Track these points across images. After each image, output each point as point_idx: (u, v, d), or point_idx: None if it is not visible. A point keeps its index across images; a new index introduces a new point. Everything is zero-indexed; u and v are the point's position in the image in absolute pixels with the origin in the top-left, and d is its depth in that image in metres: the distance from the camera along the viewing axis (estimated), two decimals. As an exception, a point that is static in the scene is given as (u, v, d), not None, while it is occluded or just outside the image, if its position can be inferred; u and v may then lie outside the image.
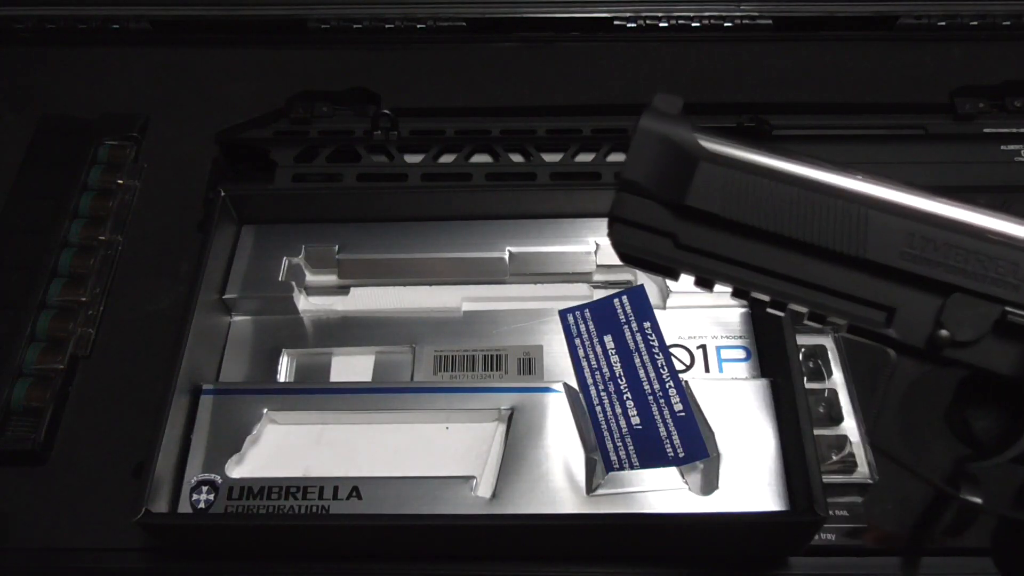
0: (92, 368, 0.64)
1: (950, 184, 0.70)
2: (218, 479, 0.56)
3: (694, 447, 0.57)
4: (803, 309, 0.35)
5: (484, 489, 0.56)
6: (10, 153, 0.73)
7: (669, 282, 0.63)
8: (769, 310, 0.36)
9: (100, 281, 0.67)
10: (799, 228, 0.34)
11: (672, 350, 0.63)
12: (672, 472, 0.56)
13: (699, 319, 0.64)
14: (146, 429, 0.55)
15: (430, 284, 0.67)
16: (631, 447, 0.57)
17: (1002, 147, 0.73)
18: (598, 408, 0.60)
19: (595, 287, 0.66)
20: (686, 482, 0.56)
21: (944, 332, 0.34)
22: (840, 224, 0.34)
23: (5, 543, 0.56)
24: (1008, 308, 0.33)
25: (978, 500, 0.35)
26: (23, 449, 0.59)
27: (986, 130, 0.74)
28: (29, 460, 0.59)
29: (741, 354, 0.63)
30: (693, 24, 0.81)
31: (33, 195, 0.71)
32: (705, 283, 0.36)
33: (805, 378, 0.57)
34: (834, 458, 0.57)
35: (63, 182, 0.71)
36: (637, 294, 0.64)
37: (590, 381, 0.61)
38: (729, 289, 0.37)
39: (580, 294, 0.66)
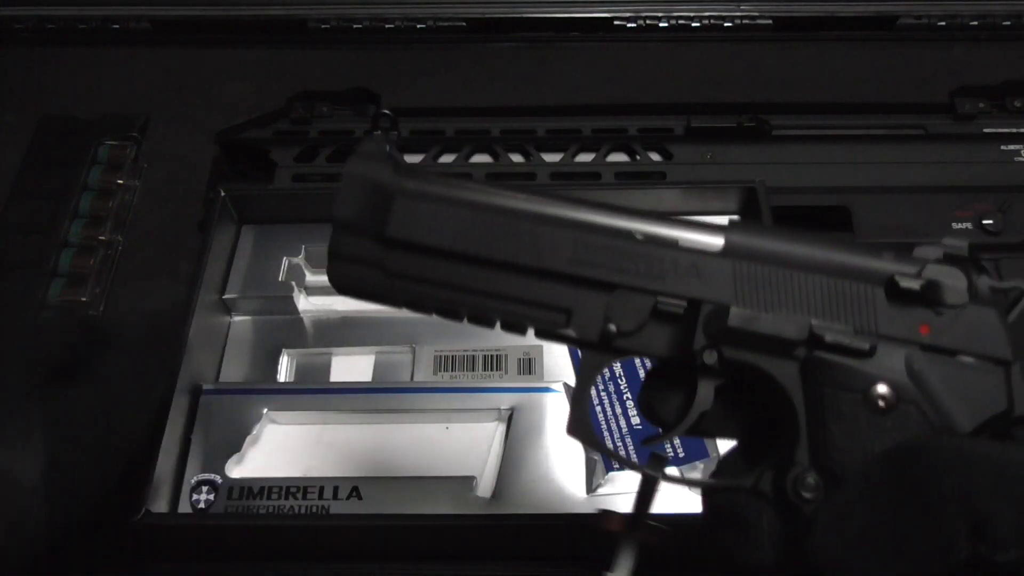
0: (92, 368, 0.64)
1: (950, 184, 0.70)
2: (218, 479, 0.56)
3: (694, 447, 0.57)
4: (497, 319, 0.40)
5: (484, 489, 0.56)
6: (10, 153, 0.73)
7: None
8: (475, 324, 0.41)
9: (100, 281, 0.67)
10: (481, 247, 0.38)
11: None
12: (672, 472, 0.56)
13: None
14: (146, 429, 0.55)
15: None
16: (631, 447, 0.57)
17: (1002, 147, 0.73)
18: (598, 408, 0.60)
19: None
20: (687, 482, 0.56)
21: (612, 326, 0.38)
22: (514, 240, 0.38)
23: (5, 543, 0.56)
24: (659, 298, 0.38)
25: (657, 474, 0.39)
26: (23, 449, 0.59)
27: (986, 130, 0.74)
28: (29, 460, 0.59)
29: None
30: (693, 24, 0.81)
31: (33, 195, 0.71)
32: (415, 306, 0.40)
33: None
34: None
35: (63, 182, 0.71)
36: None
37: (590, 381, 0.61)
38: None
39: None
